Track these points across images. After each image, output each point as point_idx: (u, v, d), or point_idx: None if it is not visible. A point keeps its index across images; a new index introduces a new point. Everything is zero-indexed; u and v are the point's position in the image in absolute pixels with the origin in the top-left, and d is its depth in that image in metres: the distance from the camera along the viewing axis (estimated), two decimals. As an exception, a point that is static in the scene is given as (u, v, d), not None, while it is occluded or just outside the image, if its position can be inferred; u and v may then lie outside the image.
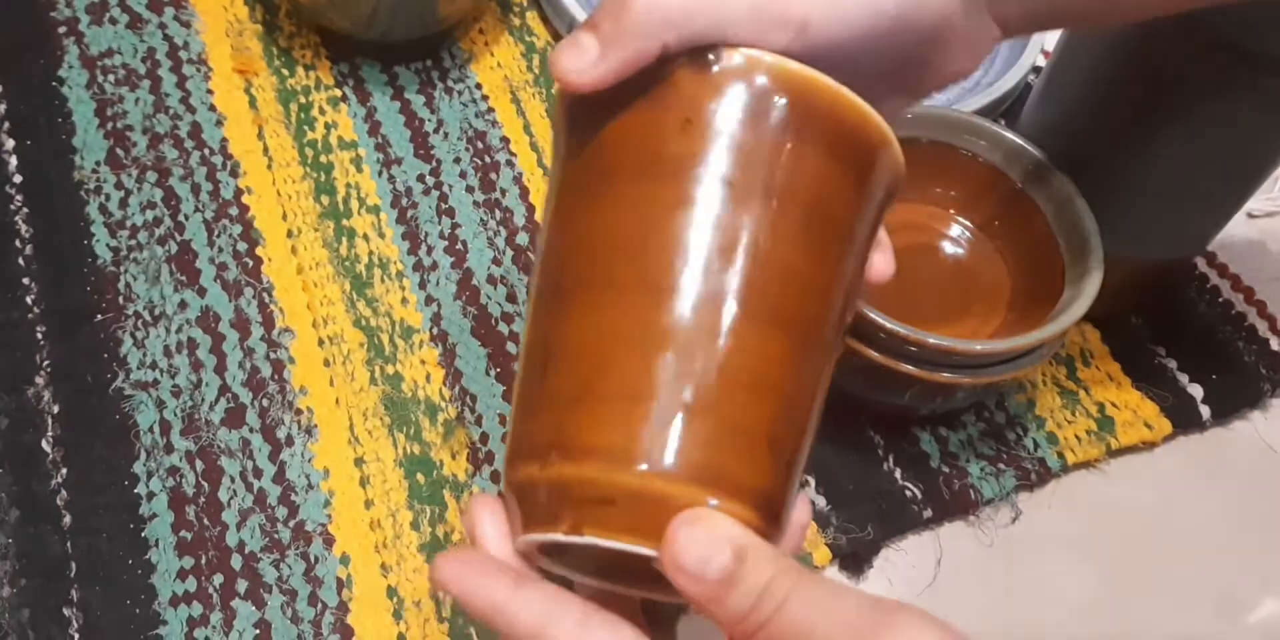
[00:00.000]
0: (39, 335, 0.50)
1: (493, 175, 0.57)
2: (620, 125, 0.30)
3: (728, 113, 0.29)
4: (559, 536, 0.28)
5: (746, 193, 0.29)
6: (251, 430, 0.48)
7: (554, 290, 0.30)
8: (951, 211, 0.52)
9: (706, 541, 0.27)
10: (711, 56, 0.29)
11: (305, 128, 0.58)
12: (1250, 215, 0.60)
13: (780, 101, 0.29)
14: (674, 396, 0.28)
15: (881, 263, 0.34)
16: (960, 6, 0.33)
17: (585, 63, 0.29)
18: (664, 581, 0.29)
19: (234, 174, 0.56)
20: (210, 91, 0.58)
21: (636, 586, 0.32)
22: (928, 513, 0.48)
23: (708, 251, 0.28)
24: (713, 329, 0.28)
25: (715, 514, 0.27)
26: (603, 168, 0.30)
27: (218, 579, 0.45)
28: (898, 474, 0.49)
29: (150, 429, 0.48)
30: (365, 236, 0.54)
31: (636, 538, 0.27)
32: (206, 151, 0.56)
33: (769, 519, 0.29)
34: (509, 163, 0.58)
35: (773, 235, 0.29)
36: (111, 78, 0.58)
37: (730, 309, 0.28)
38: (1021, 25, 0.35)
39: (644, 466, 0.27)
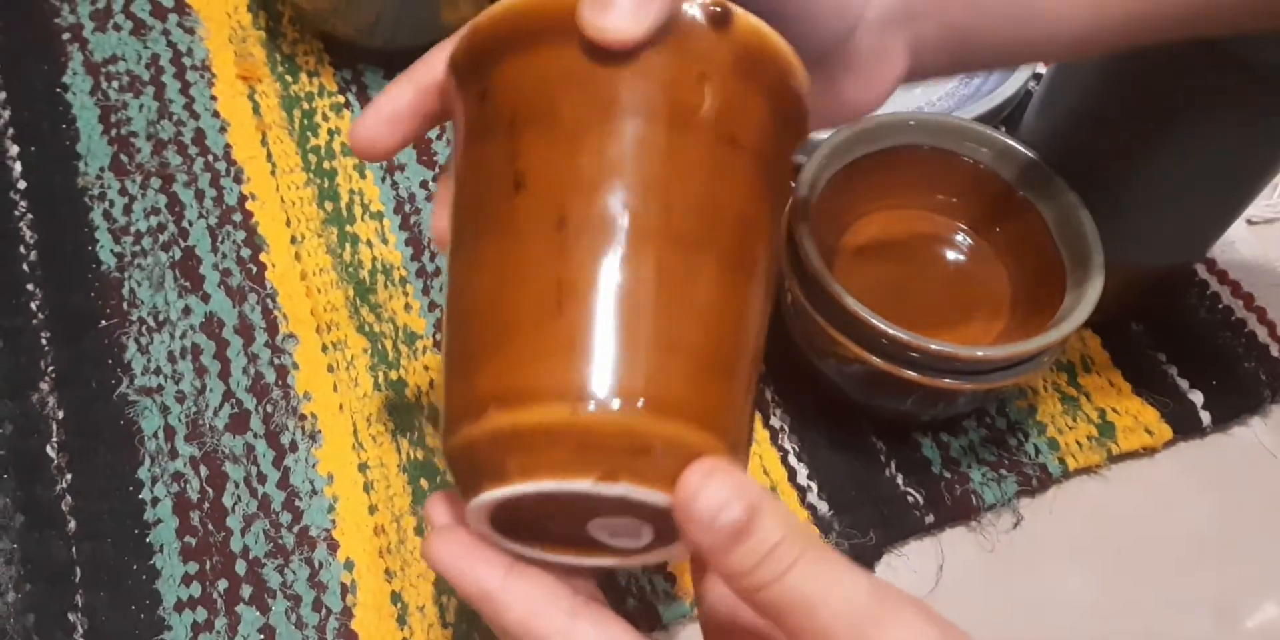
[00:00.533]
0: (43, 341, 0.50)
1: (495, 181, 0.57)
2: (558, 79, 0.29)
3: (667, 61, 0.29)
4: (516, 487, 0.27)
5: (673, 125, 0.28)
6: (255, 436, 0.48)
7: (481, 237, 0.29)
8: (953, 218, 0.52)
9: (720, 491, 0.26)
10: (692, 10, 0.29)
11: (309, 134, 0.58)
12: (1250, 222, 0.60)
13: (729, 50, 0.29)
14: (610, 330, 0.27)
15: None
16: (875, 16, 0.33)
17: (623, 19, 0.28)
18: (609, 547, 0.29)
19: (238, 180, 0.56)
20: (214, 98, 0.59)
21: (586, 554, 0.30)
22: (929, 518, 0.49)
23: (642, 181, 0.28)
24: (639, 258, 0.27)
25: (732, 466, 0.27)
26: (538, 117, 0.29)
27: (222, 584, 0.45)
28: (899, 479, 0.50)
29: (154, 435, 0.48)
30: (369, 242, 0.54)
31: (598, 474, 0.26)
32: (210, 158, 0.56)
33: (730, 445, 0.28)
34: (512, 169, 0.58)
35: (702, 170, 0.29)
36: (115, 84, 0.58)
37: (657, 242, 0.28)
38: (935, 55, 0.35)
39: (592, 403, 0.26)
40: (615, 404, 0.26)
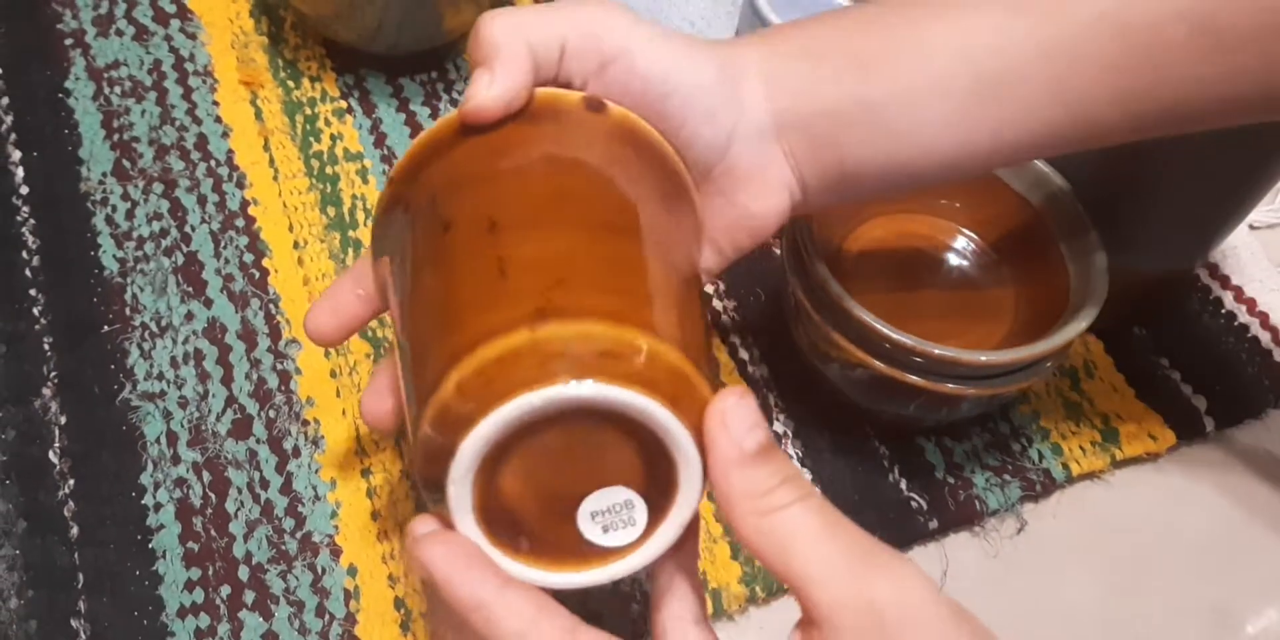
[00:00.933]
0: (46, 346, 0.50)
1: (498, 187, 0.57)
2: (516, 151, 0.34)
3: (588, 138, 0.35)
4: (494, 415, 0.28)
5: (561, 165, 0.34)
6: (258, 441, 0.48)
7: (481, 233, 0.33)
8: (956, 223, 0.52)
9: (751, 414, 0.29)
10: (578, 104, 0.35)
11: (311, 139, 0.58)
12: (1252, 226, 0.60)
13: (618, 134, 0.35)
14: (551, 275, 0.30)
15: None
16: (749, 130, 0.36)
17: (482, 94, 0.33)
18: (602, 550, 0.30)
19: (240, 185, 0.56)
20: (216, 103, 0.59)
21: (579, 564, 0.31)
22: (933, 523, 0.48)
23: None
24: (556, 235, 0.31)
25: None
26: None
27: (225, 590, 0.45)
28: (903, 484, 0.50)
29: (157, 440, 0.48)
30: (371, 248, 0.54)
31: (561, 379, 0.28)
32: (213, 163, 0.56)
33: (691, 360, 0.30)
34: (514, 174, 0.58)
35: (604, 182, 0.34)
36: (118, 89, 0.58)
37: (562, 223, 0.32)
38: (814, 170, 0.37)
39: (548, 321, 0.28)
40: (570, 317, 0.29)
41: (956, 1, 0.36)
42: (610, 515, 0.30)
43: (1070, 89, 0.35)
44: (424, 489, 0.30)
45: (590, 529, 0.30)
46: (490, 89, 0.33)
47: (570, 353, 0.28)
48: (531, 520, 0.30)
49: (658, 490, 0.30)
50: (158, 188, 0.55)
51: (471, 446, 0.28)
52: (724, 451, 0.29)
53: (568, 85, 0.35)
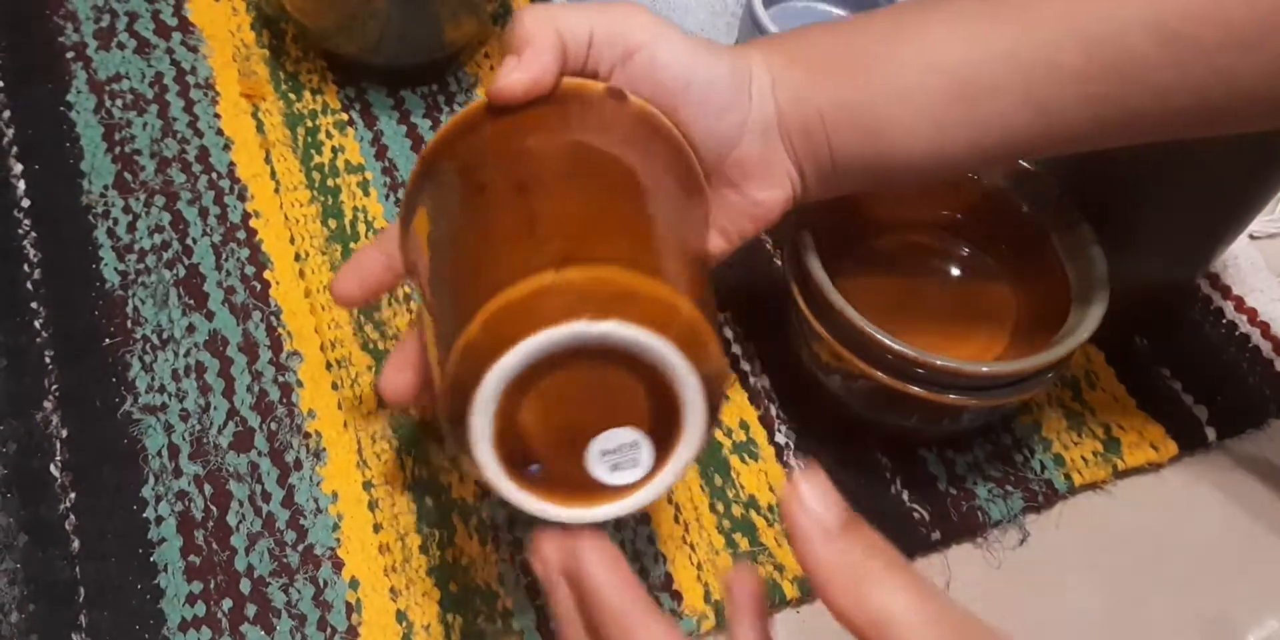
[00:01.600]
0: (47, 359, 0.50)
1: (499, 198, 0.57)
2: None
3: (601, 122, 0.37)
4: (521, 346, 0.30)
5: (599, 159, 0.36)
6: (260, 454, 0.48)
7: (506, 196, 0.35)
8: (957, 234, 0.52)
9: (824, 490, 0.29)
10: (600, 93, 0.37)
11: (312, 151, 0.58)
12: (1252, 236, 0.60)
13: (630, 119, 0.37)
14: (577, 227, 0.33)
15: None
16: (755, 125, 0.39)
17: (509, 76, 0.35)
18: (611, 488, 0.32)
19: (241, 198, 0.56)
20: (218, 116, 0.59)
21: (591, 500, 0.33)
22: (936, 535, 0.48)
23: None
24: (580, 193, 0.34)
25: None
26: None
27: (226, 603, 0.44)
28: (905, 496, 0.49)
29: (158, 453, 0.48)
30: (372, 260, 0.54)
31: (584, 316, 0.30)
32: (214, 175, 0.56)
33: (697, 304, 0.32)
34: (515, 186, 0.58)
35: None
36: (119, 102, 0.58)
37: (587, 183, 0.35)
38: (810, 165, 0.40)
39: (573, 265, 0.31)
40: (593, 262, 0.31)
41: (938, 13, 0.39)
42: (618, 455, 0.32)
43: (1041, 97, 0.37)
44: (448, 427, 0.32)
45: (599, 467, 0.32)
46: (516, 71, 0.36)
47: (592, 294, 0.30)
48: (545, 456, 0.32)
49: (664, 432, 0.32)
50: (159, 200, 0.55)
51: (495, 377, 0.30)
52: (807, 529, 0.29)
53: (594, 75, 0.38)
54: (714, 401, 0.32)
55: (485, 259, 0.33)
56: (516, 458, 0.32)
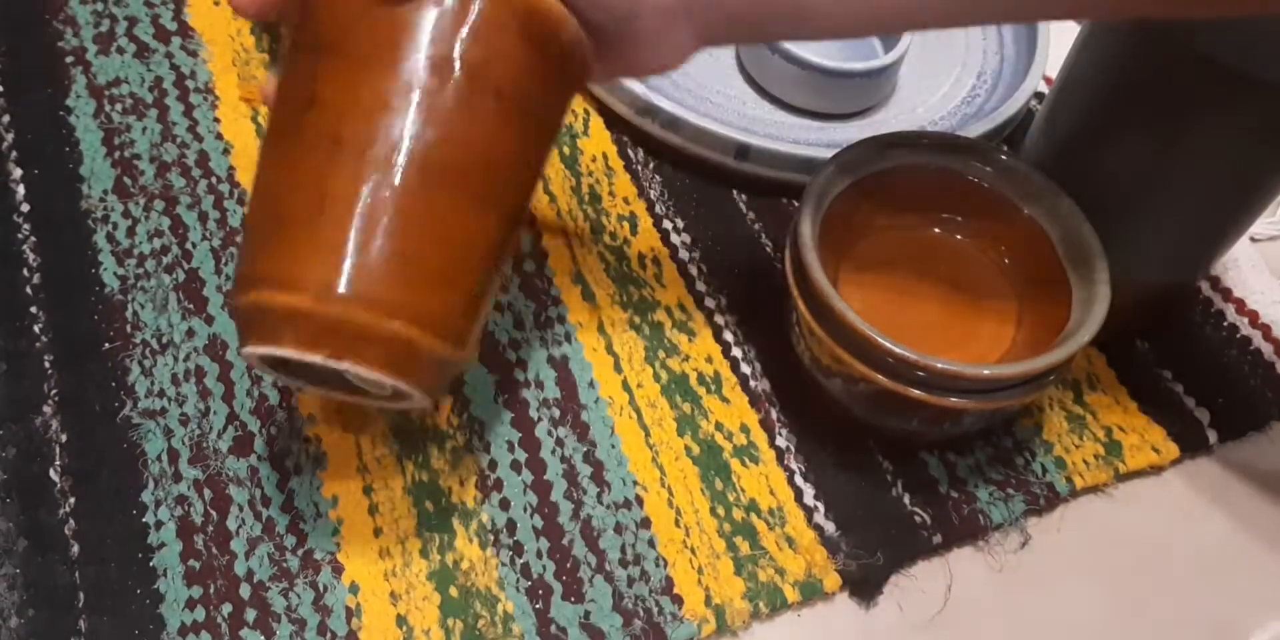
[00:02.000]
0: (46, 364, 0.50)
1: (499, 202, 0.57)
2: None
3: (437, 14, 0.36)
4: (270, 349, 0.35)
5: (441, 71, 0.35)
6: (259, 458, 0.48)
7: (280, 140, 0.37)
8: (958, 236, 0.52)
9: None
10: None
11: (312, 156, 0.58)
12: (1253, 239, 0.60)
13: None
14: (361, 240, 0.35)
15: None
16: (656, 5, 0.38)
17: None
18: (363, 391, 0.40)
19: (241, 202, 0.56)
20: (217, 120, 0.59)
21: (348, 394, 0.41)
22: (937, 538, 0.48)
23: (402, 117, 0.35)
24: (389, 181, 0.35)
25: None
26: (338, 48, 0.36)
27: (226, 608, 0.44)
28: (906, 499, 0.49)
29: (158, 458, 0.48)
30: (372, 264, 0.54)
31: (328, 352, 0.35)
32: (214, 180, 0.56)
33: (453, 342, 0.37)
34: (515, 190, 0.58)
35: (461, 112, 0.36)
36: (119, 107, 0.58)
37: (410, 170, 0.35)
38: (725, 31, 0.40)
39: (330, 298, 0.34)
40: (349, 301, 0.35)
41: None
42: (367, 381, 0.39)
43: None
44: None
45: (354, 379, 0.39)
46: None
47: (340, 333, 0.35)
48: (309, 367, 0.39)
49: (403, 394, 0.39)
50: (159, 205, 0.55)
51: (254, 350, 0.36)
52: None
53: None
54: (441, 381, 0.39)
55: (279, 217, 0.36)
56: (286, 367, 0.39)
